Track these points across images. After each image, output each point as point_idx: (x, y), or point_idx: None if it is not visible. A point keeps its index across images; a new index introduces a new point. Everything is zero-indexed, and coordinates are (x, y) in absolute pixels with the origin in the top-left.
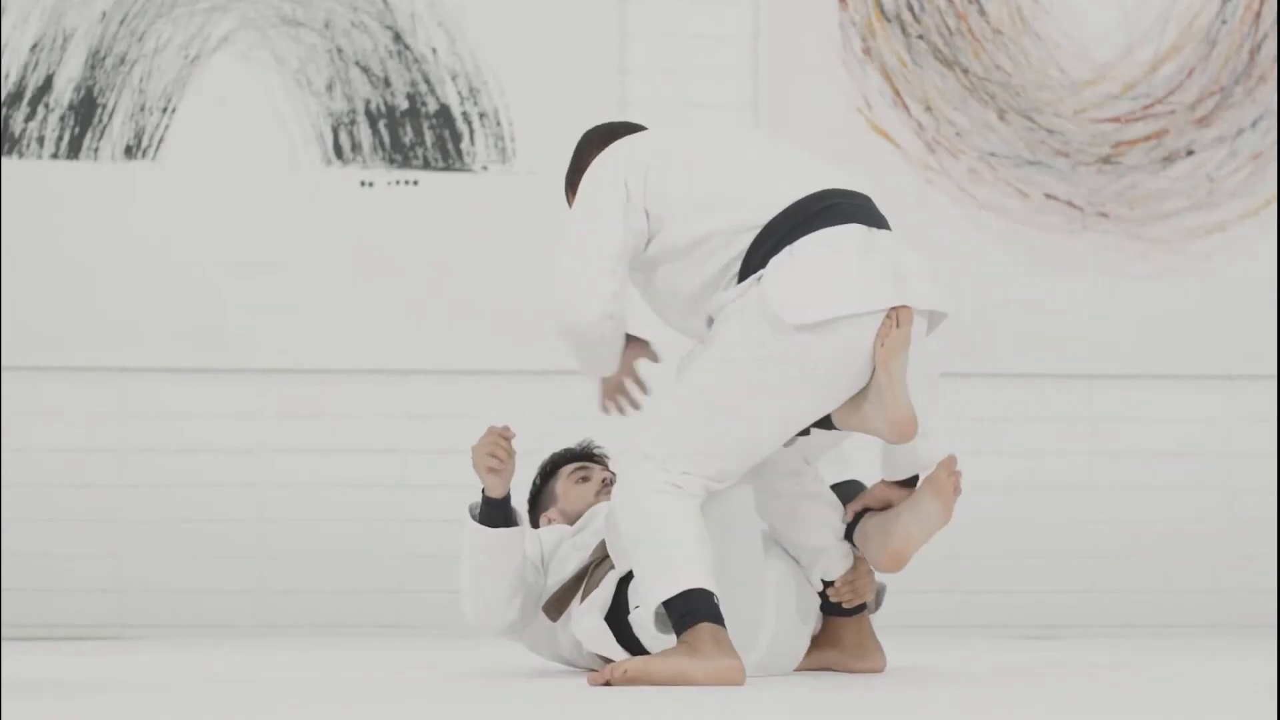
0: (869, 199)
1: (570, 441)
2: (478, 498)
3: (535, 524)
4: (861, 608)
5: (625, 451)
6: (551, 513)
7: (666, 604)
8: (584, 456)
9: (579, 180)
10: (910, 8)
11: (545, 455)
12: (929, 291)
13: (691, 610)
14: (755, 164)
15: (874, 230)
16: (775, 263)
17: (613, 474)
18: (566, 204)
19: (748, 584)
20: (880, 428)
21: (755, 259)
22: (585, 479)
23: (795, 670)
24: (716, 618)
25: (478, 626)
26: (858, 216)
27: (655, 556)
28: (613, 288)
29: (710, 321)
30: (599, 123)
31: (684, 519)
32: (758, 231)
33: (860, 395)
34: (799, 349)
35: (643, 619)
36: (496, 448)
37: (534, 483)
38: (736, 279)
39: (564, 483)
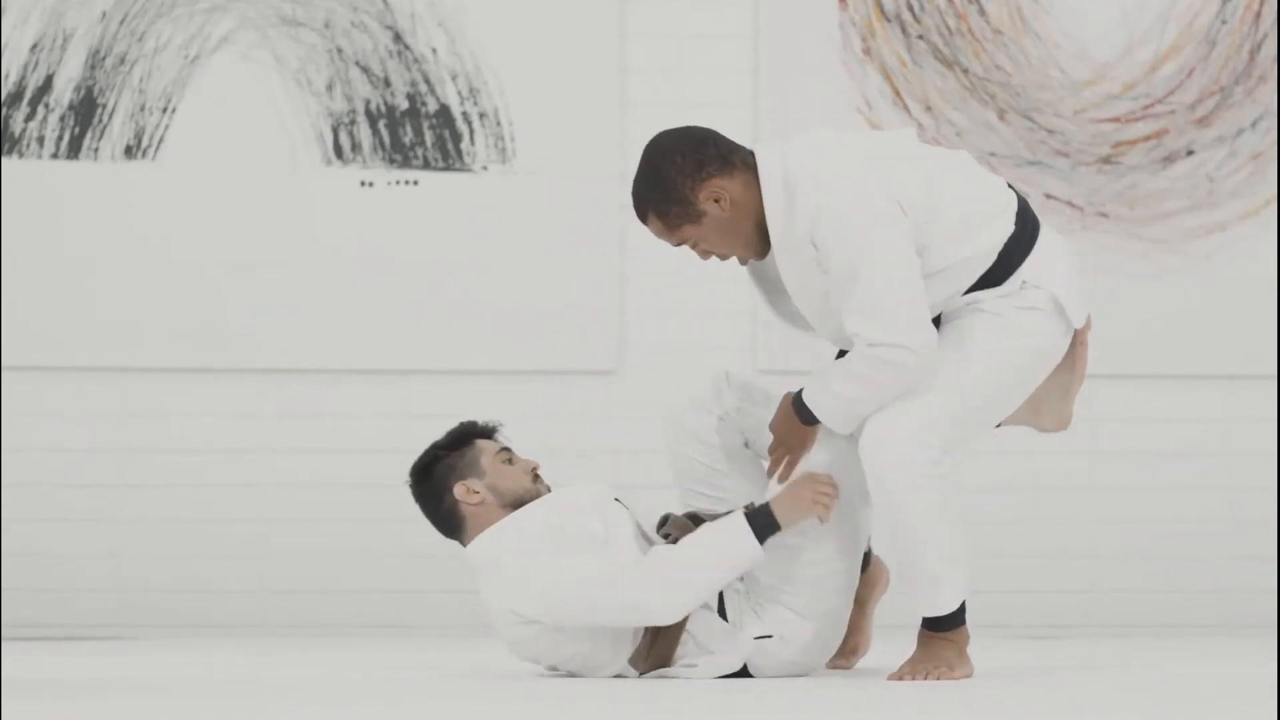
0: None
1: (571, 441)
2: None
3: (451, 500)
4: None
5: (882, 435)
6: (472, 483)
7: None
8: (489, 431)
9: (671, 209)
10: (910, 8)
11: (541, 457)
12: None
13: (962, 614)
14: (971, 178)
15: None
16: (1036, 266)
17: (533, 462)
18: (640, 219)
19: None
20: (1049, 423)
21: (1005, 266)
22: (510, 461)
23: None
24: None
25: (657, 622)
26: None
27: (947, 556)
28: (930, 316)
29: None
30: (671, 136)
31: (960, 520)
32: (1005, 241)
33: (1041, 393)
34: (1063, 345)
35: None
36: (828, 493)
37: (436, 450)
38: (975, 285)
39: (489, 459)
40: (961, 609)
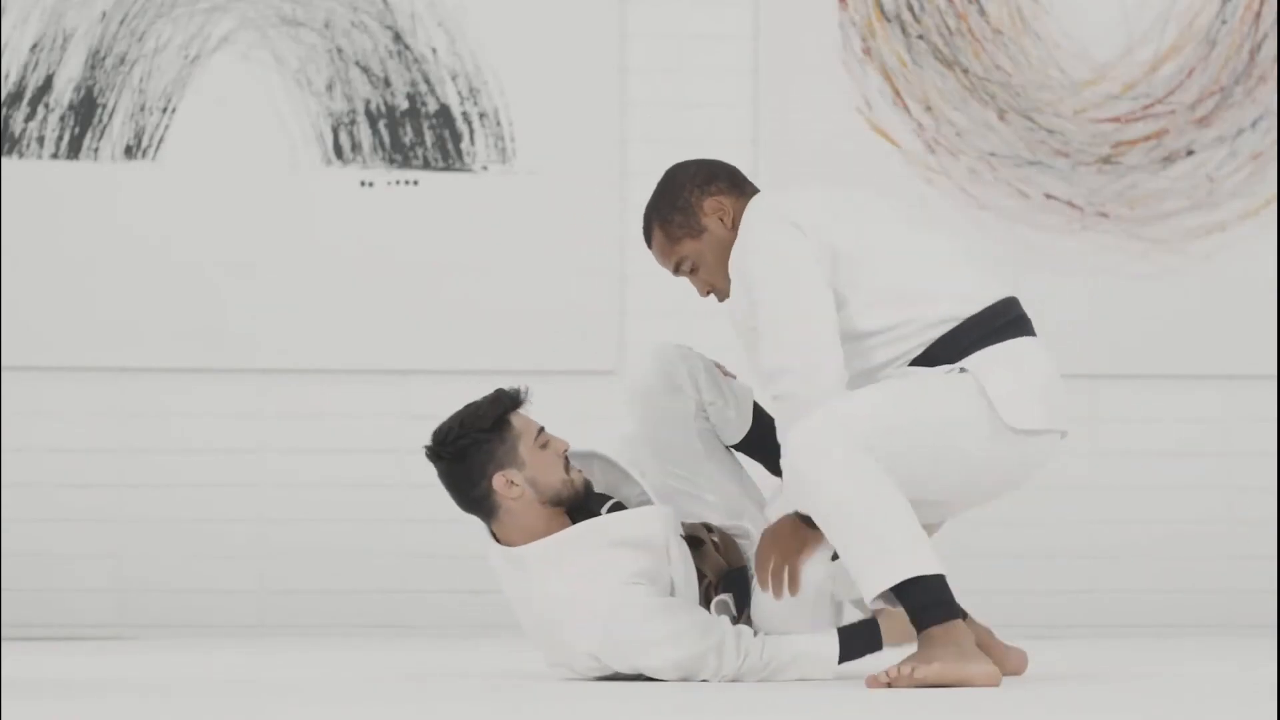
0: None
1: (571, 441)
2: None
3: (486, 486)
4: None
5: (801, 432)
6: (512, 474)
7: (905, 587)
8: (518, 403)
9: (674, 217)
10: (910, 8)
11: None
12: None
13: (944, 602)
14: (939, 258)
15: (1043, 343)
16: (981, 360)
17: (565, 443)
18: (646, 239)
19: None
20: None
21: (947, 351)
22: (546, 445)
23: None
24: (963, 614)
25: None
26: (1031, 329)
27: (891, 532)
28: (841, 359)
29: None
30: (691, 159)
31: (907, 504)
32: (954, 325)
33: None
34: (987, 433)
35: (864, 596)
36: None
37: (473, 432)
38: (909, 363)
39: (528, 446)
40: (930, 590)
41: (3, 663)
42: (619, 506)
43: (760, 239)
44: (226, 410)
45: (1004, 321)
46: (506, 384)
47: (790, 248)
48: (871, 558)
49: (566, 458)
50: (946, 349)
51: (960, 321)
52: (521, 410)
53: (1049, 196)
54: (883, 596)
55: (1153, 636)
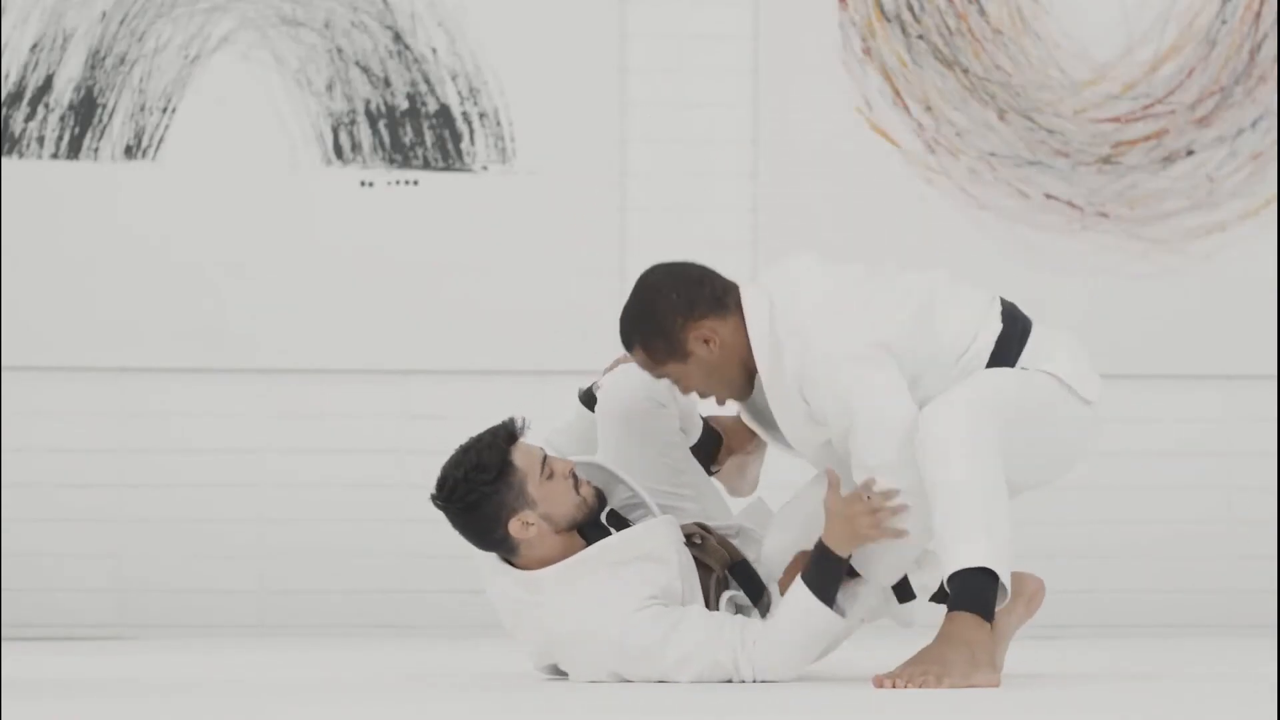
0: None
1: None
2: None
3: (503, 532)
4: None
5: (939, 406)
6: (526, 515)
7: (964, 574)
8: (514, 437)
9: (658, 344)
10: (910, 8)
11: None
12: None
13: (986, 601)
14: (953, 296)
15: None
16: (1032, 356)
17: (569, 463)
18: (626, 348)
19: None
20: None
21: (1000, 363)
22: (551, 475)
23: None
24: (992, 617)
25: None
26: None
27: (994, 517)
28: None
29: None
30: (666, 270)
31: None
32: (995, 341)
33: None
34: (1077, 414)
35: (922, 575)
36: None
37: (480, 487)
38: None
39: (535, 484)
40: (989, 588)
41: (3, 663)
42: (614, 513)
43: (850, 371)
44: (226, 410)
45: (1020, 326)
46: (506, 386)
47: (879, 370)
48: (969, 536)
49: (574, 475)
50: (1001, 360)
51: (995, 342)
52: (521, 441)
53: (1049, 196)
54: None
55: (1153, 636)
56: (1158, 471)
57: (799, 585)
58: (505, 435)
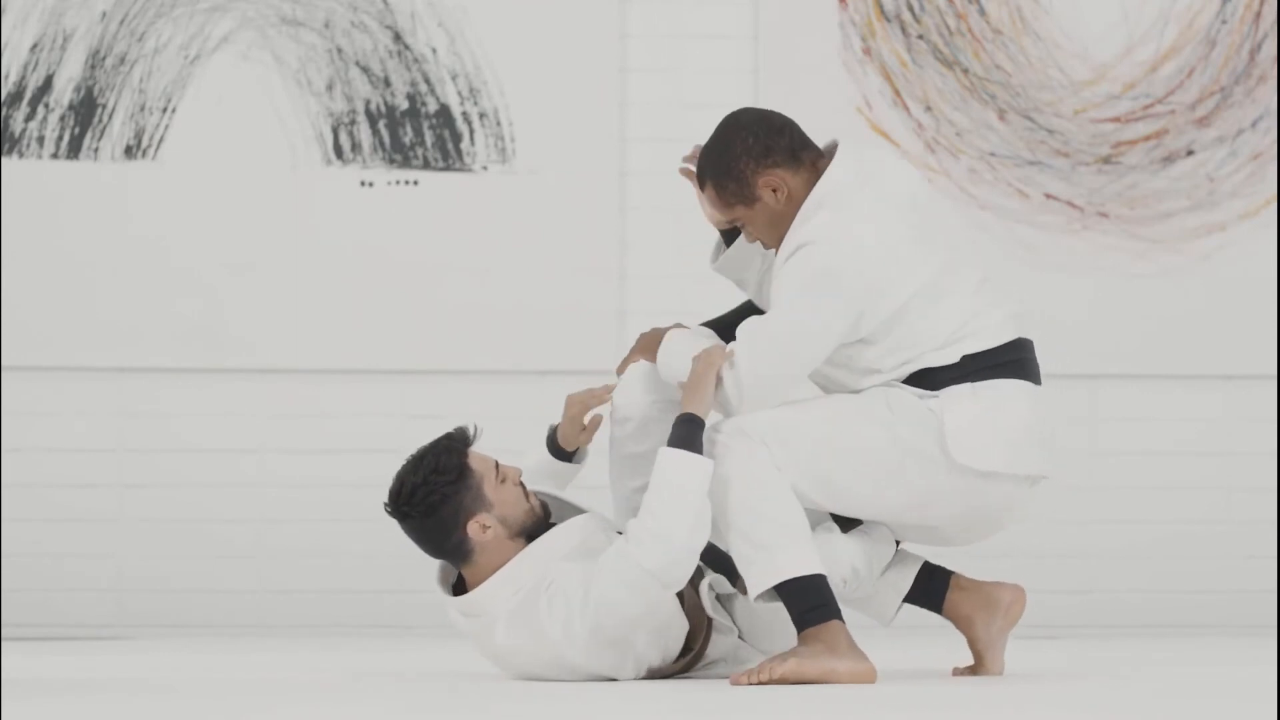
0: (1033, 347)
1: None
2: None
3: (460, 535)
4: None
5: (719, 425)
6: (484, 518)
7: (787, 585)
8: (468, 442)
9: (728, 184)
10: (910, 8)
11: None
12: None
13: (823, 604)
14: (970, 300)
15: (1038, 389)
16: (954, 393)
17: (518, 469)
18: (699, 185)
19: None
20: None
21: (931, 380)
22: (504, 479)
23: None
24: (840, 614)
25: (686, 575)
26: (1032, 374)
27: (773, 532)
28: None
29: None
30: (751, 115)
31: (795, 502)
32: (951, 362)
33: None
34: (958, 483)
35: (749, 592)
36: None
37: (440, 487)
38: (899, 382)
39: (490, 485)
40: (818, 589)
41: (3, 663)
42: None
43: (812, 278)
44: (226, 410)
45: (1004, 361)
46: (506, 386)
47: (830, 307)
48: (752, 559)
49: (522, 484)
50: (931, 378)
51: (957, 360)
52: (472, 448)
53: (1049, 196)
54: (765, 595)
55: (1153, 636)
56: (1158, 471)
57: (661, 451)
58: (461, 441)
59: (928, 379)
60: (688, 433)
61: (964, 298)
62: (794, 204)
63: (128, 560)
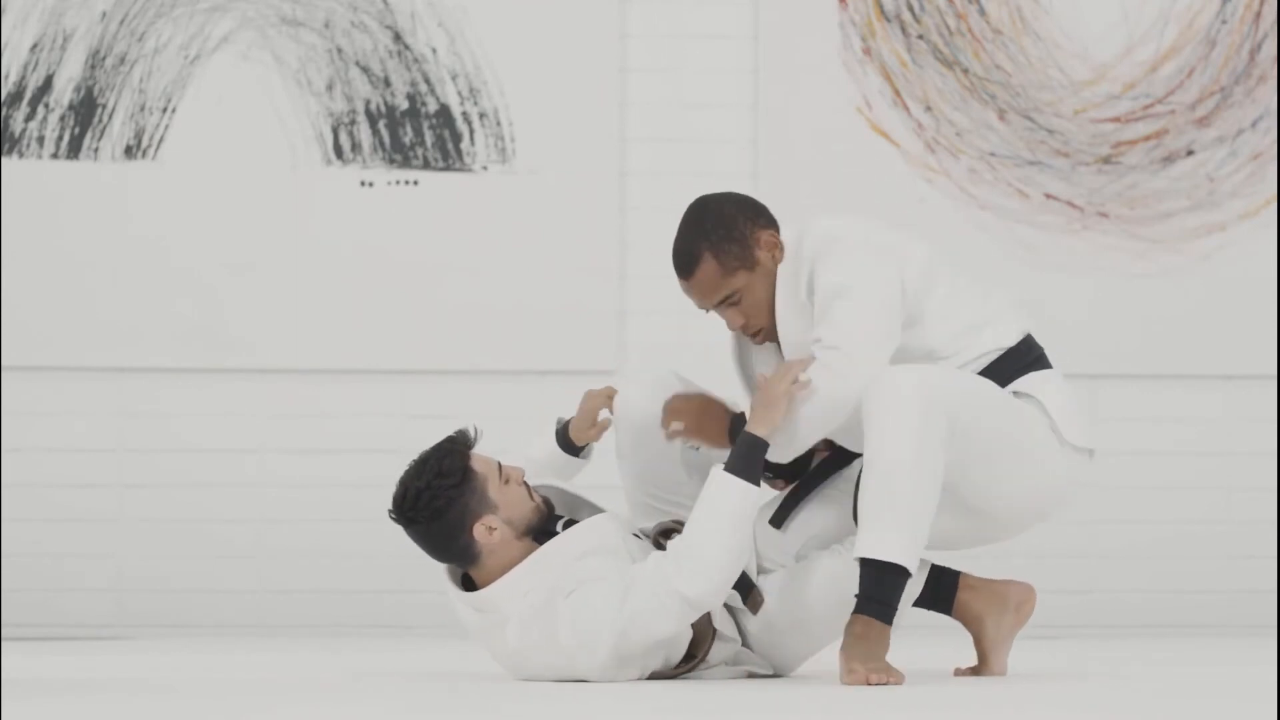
0: None
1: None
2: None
3: (467, 538)
4: None
5: (910, 366)
6: (490, 520)
7: (877, 565)
8: (470, 444)
9: (731, 248)
10: (910, 8)
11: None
12: None
13: (890, 602)
14: (981, 293)
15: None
16: (1030, 383)
17: (521, 469)
18: (690, 269)
19: None
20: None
21: (996, 377)
22: (508, 479)
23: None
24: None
25: (721, 596)
26: (1050, 363)
27: (913, 508)
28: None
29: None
30: (718, 193)
31: (939, 489)
32: (999, 354)
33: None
34: (1055, 454)
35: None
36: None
37: (445, 491)
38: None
39: (495, 487)
40: (896, 587)
41: (3, 663)
42: (573, 524)
43: (863, 251)
44: (226, 410)
45: (1034, 356)
46: (506, 386)
47: (888, 268)
48: (890, 525)
49: (525, 484)
50: (995, 375)
51: (1003, 351)
52: (474, 450)
53: (1049, 196)
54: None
55: (1153, 636)
56: (1158, 471)
57: (717, 473)
58: (464, 443)
59: (992, 376)
60: (748, 456)
61: (980, 291)
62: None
63: (128, 560)
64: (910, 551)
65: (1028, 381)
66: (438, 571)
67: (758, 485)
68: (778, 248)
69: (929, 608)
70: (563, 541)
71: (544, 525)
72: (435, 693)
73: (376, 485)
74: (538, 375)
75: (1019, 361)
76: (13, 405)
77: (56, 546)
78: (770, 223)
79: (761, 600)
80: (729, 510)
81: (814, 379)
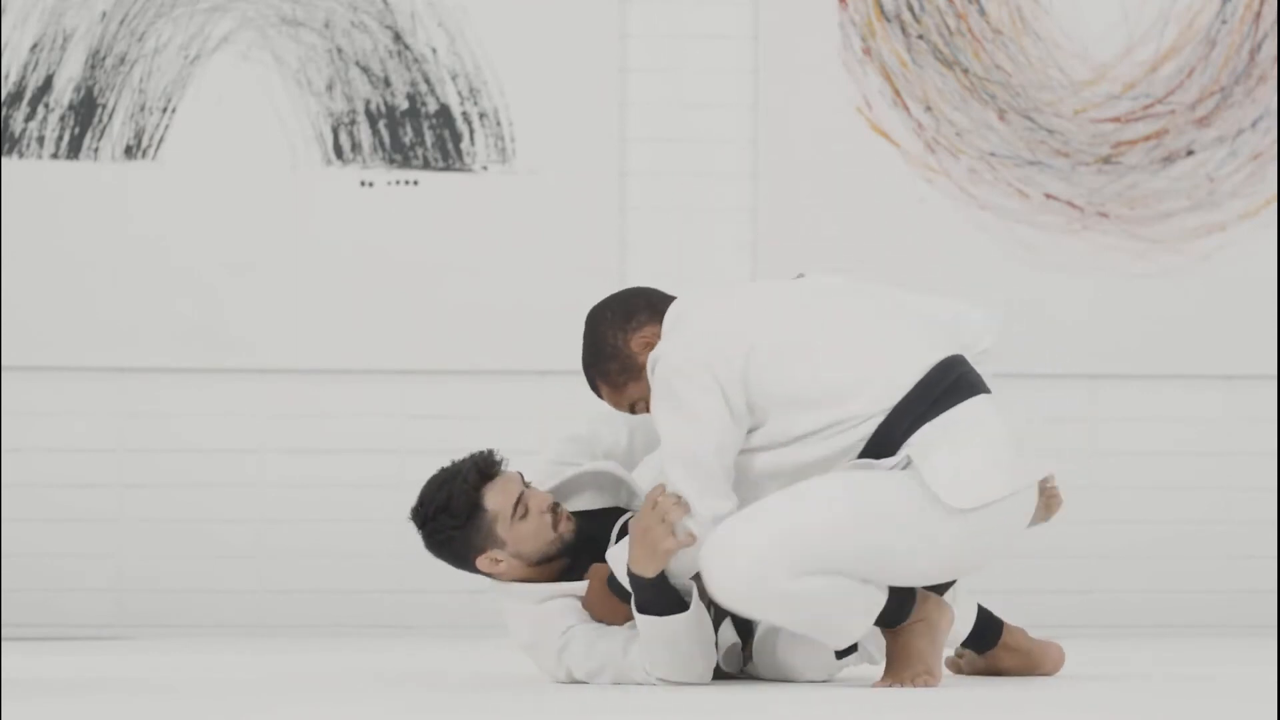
0: (966, 360)
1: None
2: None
3: (465, 561)
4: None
5: (726, 549)
6: (495, 554)
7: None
8: (490, 475)
9: (610, 367)
10: (910, 8)
11: (541, 458)
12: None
13: (904, 606)
14: (857, 346)
15: (992, 398)
16: (922, 441)
17: (547, 498)
18: (594, 391)
19: None
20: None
21: (885, 441)
22: (526, 514)
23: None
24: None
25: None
26: (978, 386)
27: (838, 624)
28: (729, 507)
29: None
30: (605, 299)
31: (836, 582)
32: (885, 417)
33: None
34: (958, 527)
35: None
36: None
37: (449, 528)
38: (858, 455)
39: (505, 525)
40: (890, 609)
41: (3, 663)
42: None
43: (664, 381)
44: (226, 410)
45: (940, 392)
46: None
47: (695, 394)
48: (831, 641)
49: (553, 509)
50: (884, 440)
51: (890, 410)
52: (500, 474)
53: (1049, 196)
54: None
55: (1153, 636)
56: (1158, 471)
57: (638, 618)
58: (476, 477)
59: (881, 443)
60: (648, 592)
61: (862, 340)
62: None
63: (128, 560)
64: (866, 621)
65: (920, 438)
66: (437, 572)
67: (686, 605)
68: (656, 344)
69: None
70: (542, 588)
71: (567, 552)
72: (435, 692)
73: (376, 485)
74: (538, 375)
75: (910, 415)
76: (13, 405)
77: (56, 546)
78: (646, 319)
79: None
80: (663, 641)
81: (689, 529)
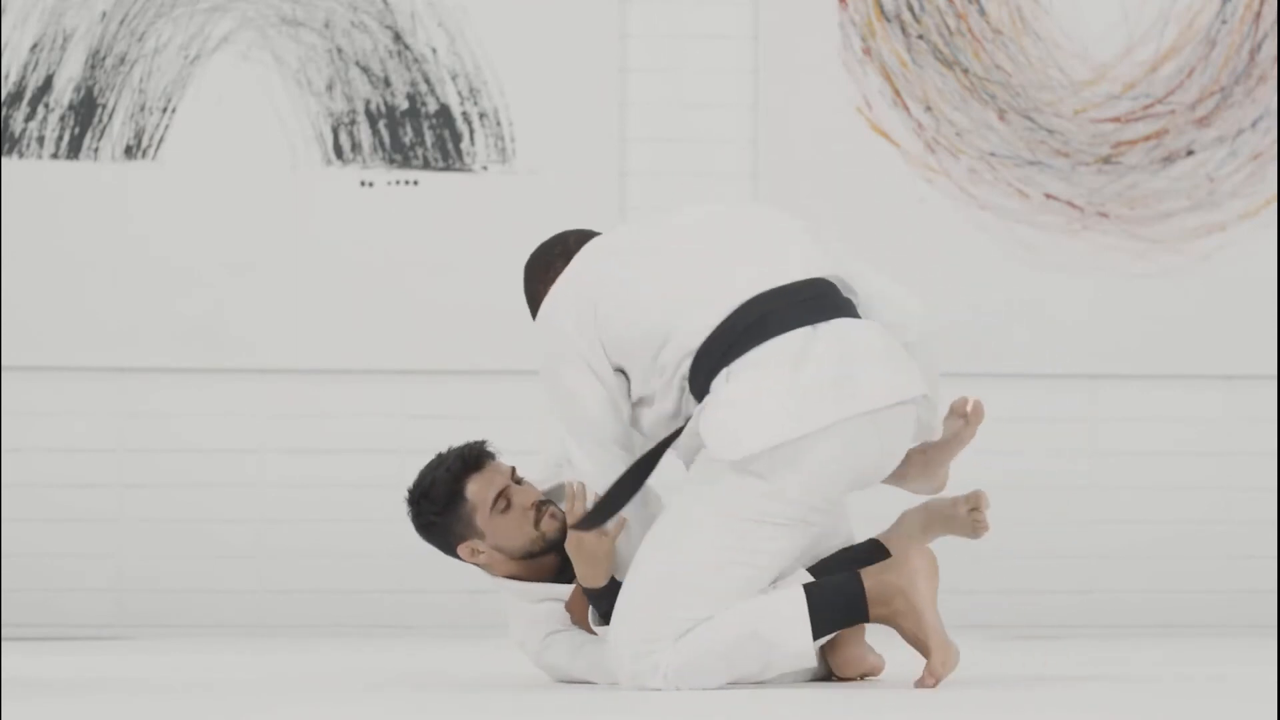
0: (813, 284)
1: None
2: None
3: (449, 547)
4: None
5: (613, 649)
6: (475, 544)
7: (819, 614)
8: (475, 465)
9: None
10: (910, 8)
11: (540, 458)
12: (888, 380)
13: (849, 605)
14: (678, 282)
15: (816, 329)
16: (714, 389)
17: (535, 493)
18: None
19: None
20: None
21: (696, 387)
22: (508, 508)
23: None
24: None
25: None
26: (792, 321)
27: (768, 636)
28: (616, 455)
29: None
30: (536, 247)
31: (726, 626)
32: (692, 358)
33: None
34: (752, 482)
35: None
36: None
37: (430, 514)
38: (684, 398)
39: (484, 516)
40: (836, 596)
41: (3, 663)
42: None
43: (542, 370)
44: (226, 410)
45: (738, 333)
46: (506, 386)
47: (559, 357)
48: (770, 663)
49: (538, 506)
50: (696, 380)
51: (697, 349)
52: (487, 466)
53: (1049, 196)
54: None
55: (1153, 636)
56: (1158, 471)
57: (601, 631)
58: (460, 466)
59: (695, 381)
60: (607, 602)
61: (682, 280)
62: None
63: (128, 560)
64: (794, 629)
65: (714, 389)
66: (437, 572)
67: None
68: None
69: (844, 626)
70: (533, 588)
71: (555, 549)
72: (435, 692)
73: (376, 485)
74: (537, 375)
75: (712, 356)
76: (13, 405)
77: (56, 546)
78: (562, 267)
79: None
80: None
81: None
